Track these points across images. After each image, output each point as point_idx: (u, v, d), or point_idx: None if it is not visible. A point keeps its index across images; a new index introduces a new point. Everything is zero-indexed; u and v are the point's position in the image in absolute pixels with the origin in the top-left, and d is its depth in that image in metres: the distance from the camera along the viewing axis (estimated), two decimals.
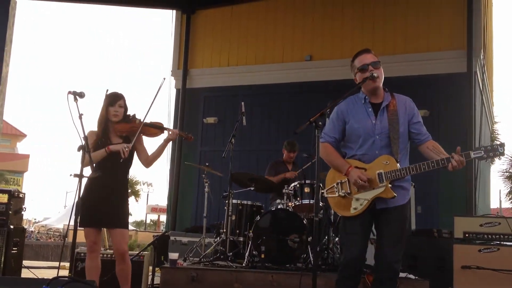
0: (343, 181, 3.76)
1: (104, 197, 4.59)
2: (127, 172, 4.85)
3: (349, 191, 3.73)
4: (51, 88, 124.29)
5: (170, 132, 4.84)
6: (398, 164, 3.68)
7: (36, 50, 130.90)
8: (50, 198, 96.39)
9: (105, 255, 5.78)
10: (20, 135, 44.85)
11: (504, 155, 3.70)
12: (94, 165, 4.28)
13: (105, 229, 5.16)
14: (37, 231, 37.06)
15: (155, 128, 4.87)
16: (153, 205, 42.36)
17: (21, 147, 45.04)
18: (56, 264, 11.69)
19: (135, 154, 4.88)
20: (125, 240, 4.63)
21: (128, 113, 4.87)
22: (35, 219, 45.98)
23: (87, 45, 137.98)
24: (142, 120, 4.79)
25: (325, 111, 3.64)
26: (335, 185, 3.79)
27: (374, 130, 3.78)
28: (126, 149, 4.59)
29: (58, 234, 34.73)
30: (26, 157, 39.63)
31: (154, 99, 4.80)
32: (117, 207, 4.63)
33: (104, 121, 4.77)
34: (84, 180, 4.33)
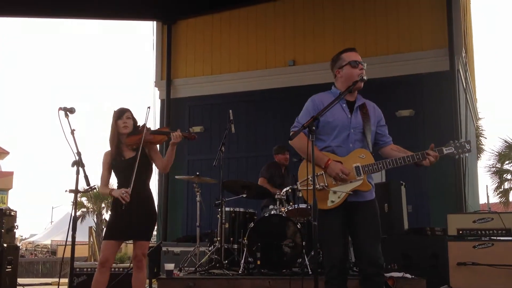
0: (318, 173, 3.73)
1: (130, 210, 4.62)
2: (147, 182, 4.86)
3: (326, 184, 3.72)
4: (32, 104, 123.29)
5: (173, 136, 4.80)
6: (373, 158, 3.75)
7: (16, 67, 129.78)
8: (36, 215, 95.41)
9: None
10: (3, 153, 44.22)
11: (470, 151, 3.83)
12: (88, 180, 4.27)
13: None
14: (24, 248, 36.67)
15: (161, 135, 4.90)
16: None
17: (4, 165, 44.48)
18: (47, 280, 11.62)
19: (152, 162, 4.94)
20: (144, 252, 4.71)
21: (138, 124, 4.91)
22: (21, 236, 45.49)
23: (68, 60, 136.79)
24: (146, 129, 4.82)
25: (317, 115, 3.64)
26: (311, 178, 3.71)
27: (350, 123, 3.82)
28: (125, 194, 4.59)
29: (46, 250, 34.39)
30: (10, 174, 39.02)
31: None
32: (142, 220, 4.69)
33: (116, 137, 4.81)
34: (79, 196, 4.38)
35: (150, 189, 4.89)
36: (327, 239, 3.75)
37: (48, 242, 33.79)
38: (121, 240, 4.78)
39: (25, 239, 40.82)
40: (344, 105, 3.88)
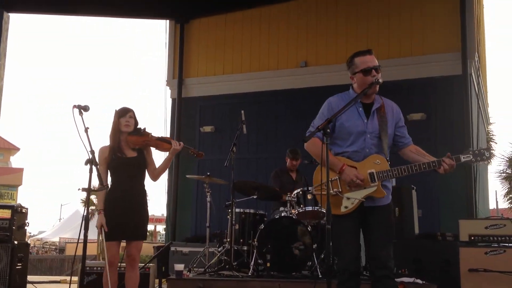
0: (333, 179, 3.72)
1: (123, 210, 4.68)
2: (143, 183, 4.92)
3: (340, 190, 3.71)
4: (43, 101, 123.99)
5: (174, 143, 4.88)
6: (388, 164, 3.71)
7: (29, 63, 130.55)
8: (45, 212, 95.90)
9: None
10: (13, 149, 44.65)
11: (490, 159, 3.79)
12: (101, 178, 4.28)
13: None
14: (32, 245, 36.83)
15: (166, 143, 4.92)
16: (149, 215, 42.23)
17: (15, 161, 44.85)
18: (56, 278, 11.64)
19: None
20: (139, 251, 4.76)
21: (138, 126, 4.95)
22: (30, 233, 45.74)
23: (80, 57, 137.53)
24: (154, 135, 4.91)
25: (332, 118, 3.62)
26: (325, 183, 3.66)
27: (366, 128, 3.79)
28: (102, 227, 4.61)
29: (54, 247, 34.53)
30: (20, 170, 39.41)
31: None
32: (136, 219, 4.72)
33: (116, 134, 4.85)
34: (92, 194, 4.41)
35: (145, 189, 4.95)
36: (340, 243, 3.75)
37: (56, 239, 33.93)
38: (122, 240, 4.78)
39: (34, 236, 41.04)
40: (361, 109, 3.85)
